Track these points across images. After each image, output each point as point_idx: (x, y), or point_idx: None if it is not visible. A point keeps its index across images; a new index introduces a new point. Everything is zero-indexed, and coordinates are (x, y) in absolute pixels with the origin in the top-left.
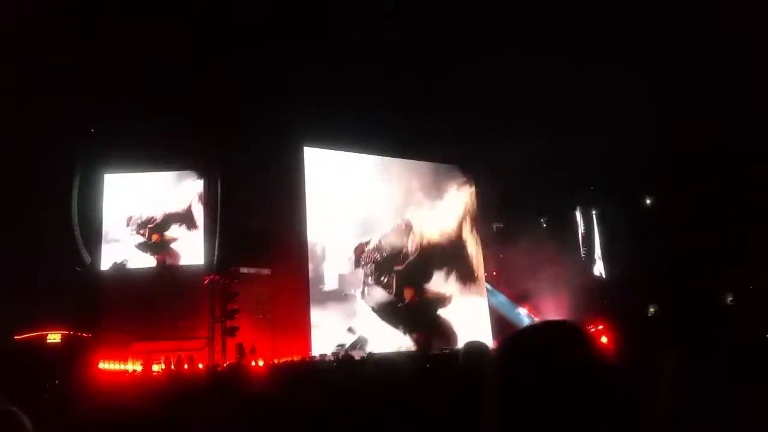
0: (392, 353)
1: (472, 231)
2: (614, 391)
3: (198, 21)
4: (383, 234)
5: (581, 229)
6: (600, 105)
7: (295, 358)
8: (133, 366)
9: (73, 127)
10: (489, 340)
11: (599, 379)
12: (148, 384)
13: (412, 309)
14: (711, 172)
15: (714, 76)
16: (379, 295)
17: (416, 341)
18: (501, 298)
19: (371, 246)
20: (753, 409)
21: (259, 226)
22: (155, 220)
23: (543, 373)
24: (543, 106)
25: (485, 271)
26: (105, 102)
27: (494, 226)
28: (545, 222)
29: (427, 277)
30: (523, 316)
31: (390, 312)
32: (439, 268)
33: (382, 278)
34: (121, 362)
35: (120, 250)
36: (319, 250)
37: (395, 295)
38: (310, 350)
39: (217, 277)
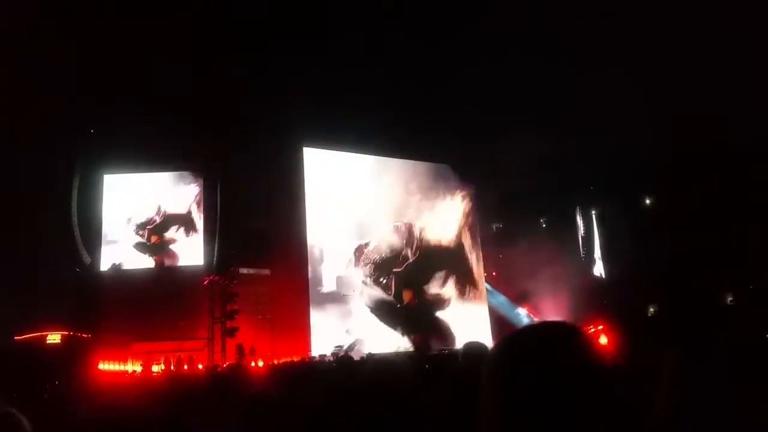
0: (391, 353)
1: (471, 232)
2: (613, 391)
3: (198, 21)
4: (382, 235)
5: (581, 229)
6: (600, 105)
7: (295, 359)
8: (133, 367)
9: (73, 127)
10: (488, 342)
11: (598, 379)
12: (147, 385)
13: (411, 311)
14: (711, 172)
15: (714, 76)
16: (378, 296)
17: (414, 342)
18: (500, 299)
19: (370, 247)
20: (753, 409)
21: (258, 226)
22: (155, 221)
23: (542, 373)
24: (542, 106)
25: (485, 272)
26: (105, 102)
27: (494, 227)
28: (545, 222)
29: (426, 279)
30: (523, 316)
31: (389, 313)
32: (439, 270)
33: (381, 279)
34: (121, 363)
35: (119, 250)
36: (317, 252)
37: (394, 296)
38: (310, 351)
39: (217, 278)
